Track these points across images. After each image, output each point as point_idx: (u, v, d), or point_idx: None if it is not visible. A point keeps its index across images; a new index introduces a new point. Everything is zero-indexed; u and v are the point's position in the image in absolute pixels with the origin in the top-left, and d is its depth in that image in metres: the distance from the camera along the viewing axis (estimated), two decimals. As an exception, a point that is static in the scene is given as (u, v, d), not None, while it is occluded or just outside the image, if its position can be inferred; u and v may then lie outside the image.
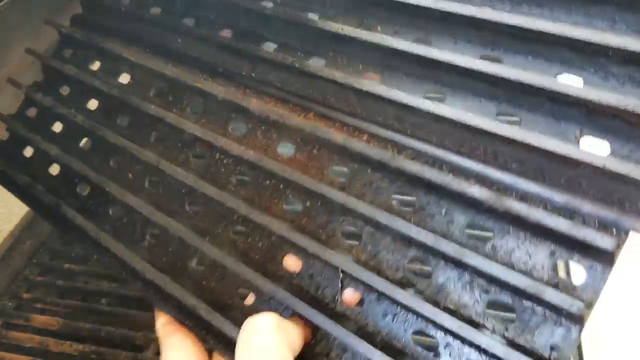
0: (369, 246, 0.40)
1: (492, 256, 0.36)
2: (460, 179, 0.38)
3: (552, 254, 0.34)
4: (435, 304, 0.36)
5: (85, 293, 0.83)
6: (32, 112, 0.59)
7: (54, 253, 0.90)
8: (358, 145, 0.41)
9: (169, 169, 0.47)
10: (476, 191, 0.36)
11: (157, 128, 0.51)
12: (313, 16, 0.50)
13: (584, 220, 0.34)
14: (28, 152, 0.57)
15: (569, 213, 0.35)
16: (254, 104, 0.46)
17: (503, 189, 0.37)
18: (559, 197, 0.36)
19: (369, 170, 0.42)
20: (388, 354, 0.35)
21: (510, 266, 0.35)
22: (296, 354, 0.36)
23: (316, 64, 0.48)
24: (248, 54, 0.51)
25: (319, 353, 0.38)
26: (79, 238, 0.48)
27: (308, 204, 0.43)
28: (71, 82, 0.58)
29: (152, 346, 0.73)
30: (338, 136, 0.42)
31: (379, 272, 0.38)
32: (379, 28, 0.47)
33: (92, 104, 0.56)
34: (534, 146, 0.37)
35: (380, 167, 0.41)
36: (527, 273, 0.34)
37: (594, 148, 0.37)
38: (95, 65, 0.58)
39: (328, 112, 0.46)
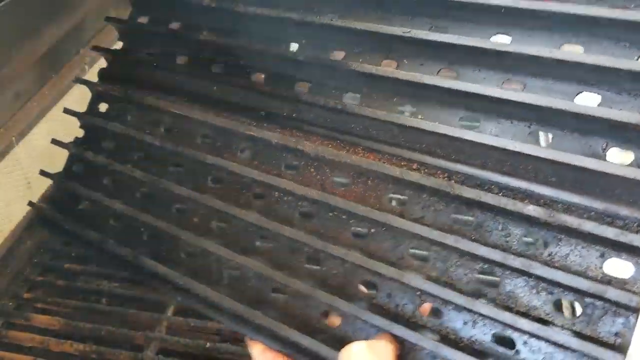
0: (437, 264, 0.45)
1: (550, 262, 0.42)
2: (513, 199, 0.43)
3: (602, 255, 0.41)
4: (508, 309, 0.42)
5: (85, 293, 0.85)
6: (78, 168, 0.62)
7: (54, 253, 0.91)
8: (414, 176, 0.47)
9: (235, 210, 0.52)
10: (532, 209, 0.42)
11: (211, 173, 0.55)
12: (340, 54, 0.55)
13: (624, 222, 0.41)
14: (83, 206, 0.61)
15: (609, 217, 0.42)
16: (308, 145, 0.51)
17: (550, 202, 0.43)
18: (598, 204, 0.42)
19: (424, 195, 0.47)
20: (473, 357, 0.41)
21: (567, 269, 0.41)
22: None
23: (352, 100, 0.53)
24: (286, 96, 0.55)
25: None
26: (159, 284, 0.53)
27: (373, 230, 0.48)
28: (114, 137, 0.62)
29: (152, 346, 0.75)
30: (394, 169, 0.48)
31: (452, 286, 0.44)
32: (405, 62, 0.52)
33: (140, 156, 0.60)
34: (568, 163, 0.43)
35: (436, 192, 0.46)
36: (583, 274, 0.41)
37: (620, 158, 0.43)
38: (135, 118, 0.62)
39: (373, 145, 0.51)
